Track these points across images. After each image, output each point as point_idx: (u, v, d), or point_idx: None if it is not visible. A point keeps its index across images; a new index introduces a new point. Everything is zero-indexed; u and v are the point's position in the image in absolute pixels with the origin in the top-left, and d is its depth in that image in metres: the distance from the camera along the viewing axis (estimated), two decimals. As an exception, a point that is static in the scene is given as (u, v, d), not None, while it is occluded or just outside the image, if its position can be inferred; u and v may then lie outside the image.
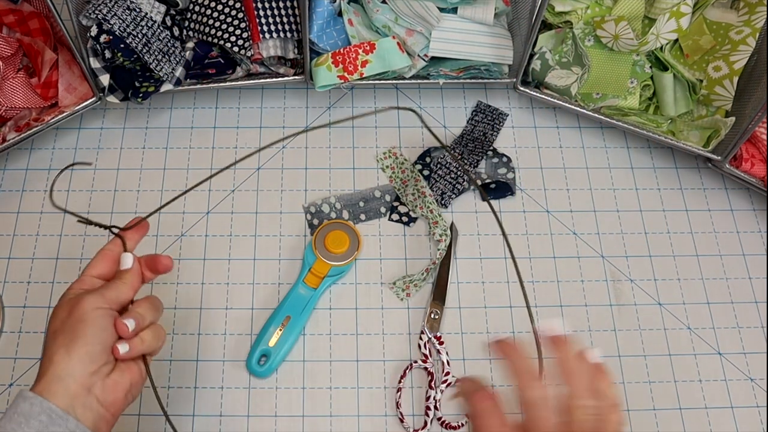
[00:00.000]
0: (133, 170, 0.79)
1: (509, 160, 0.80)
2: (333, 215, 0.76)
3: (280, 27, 0.76)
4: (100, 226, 0.56)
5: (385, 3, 0.78)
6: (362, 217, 0.76)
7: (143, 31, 0.72)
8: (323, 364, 0.69)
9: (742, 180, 0.76)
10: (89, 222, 0.57)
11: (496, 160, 0.80)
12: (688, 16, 0.74)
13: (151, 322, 0.52)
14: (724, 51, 0.75)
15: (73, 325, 0.47)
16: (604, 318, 0.72)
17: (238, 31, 0.74)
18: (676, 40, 0.77)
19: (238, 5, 0.75)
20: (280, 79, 0.79)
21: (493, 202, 0.78)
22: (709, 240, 0.77)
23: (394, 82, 0.79)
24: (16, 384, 0.67)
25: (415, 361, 0.68)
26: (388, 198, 0.77)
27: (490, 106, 0.84)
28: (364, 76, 0.76)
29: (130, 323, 0.49)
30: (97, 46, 0.72)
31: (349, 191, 0.78)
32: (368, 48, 0.75)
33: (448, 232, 0.74)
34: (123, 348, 0.49)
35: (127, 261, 0.53)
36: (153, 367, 0.67)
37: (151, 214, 0.59)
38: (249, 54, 0.75)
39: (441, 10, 0.78)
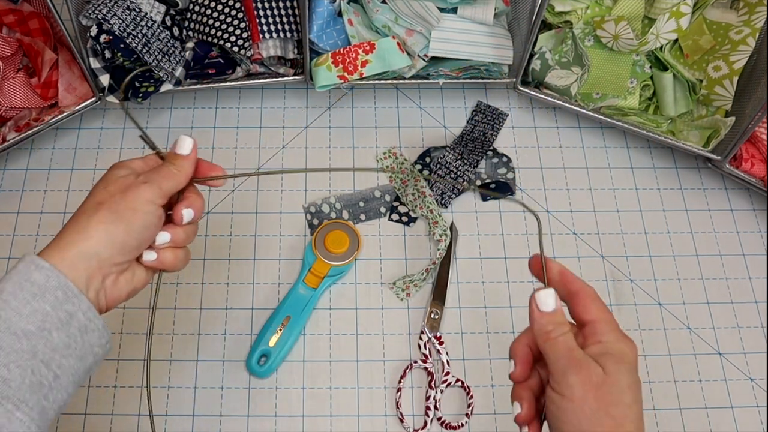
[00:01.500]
0: (133, 170, 0.79)
1: (509, 160, 0.80)
2: (333, 215, 0.76)
3: (280, 27, 0.76)
4: (153, 147, 0.51)
5: (385, 3, 0.78)
6: (362, 217, 0.76)
7: (143, 31, 0.72)
8: (323, 364, 0.69)
9: (742, 180, 0.76)
10: (151, 144, 0.51)
11: (496, 160, 0.80)
12: (688, 16, 0.74)
13: (186, 244, 0.49)
14: (724, 51, 0.75)
15: (122, 209, 0.43)
16: (604, 318, 0.72)
17: (238, 31, 0.74)
18: (676, 40, 0.77)
19: (238, 5, 0.75)
20: (280, 79, 0.79)
21: (493, 202, 0.78)
22: (709, 240, 0.77)
23: (394, 82, 0.79)
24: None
25: (415, 361, 0.68)
26: (388, 198, 0.77)
27: (490, 106, 0.84)
28: (364, 76, 0.76)
29: (163, 237, 0.46)
30: (97, 46, 0.72)
31: (349, 191, 0.78)
32: (368, 48, 0.75)
33: (448, 232, 0.74)
34: (149, 256, 0.47)
35: (185, 145, 0.48)
36: (153, 367, 0.67)
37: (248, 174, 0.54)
38: (249, 54, 0.75)
39: (441, 10, 0.78)
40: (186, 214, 0.48)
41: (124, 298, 0.46)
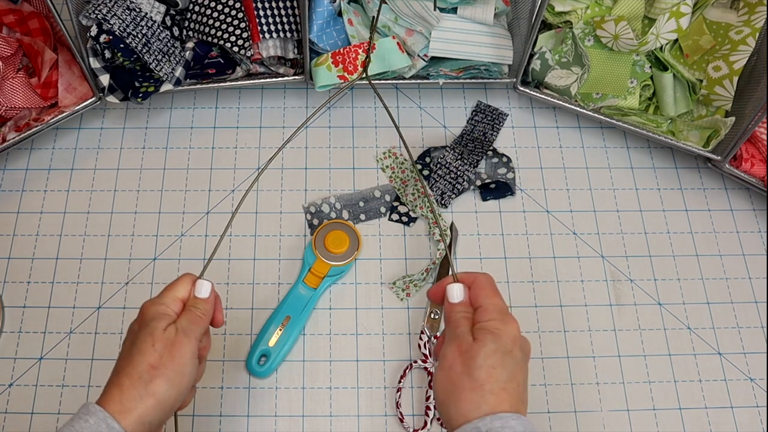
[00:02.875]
0: (133, 170, 0.79)
1: (509, 160, 0.80)
2: (333, 215, 0.76)
3: (280, 27, 0.76)
4: None
5: (385, 3, 0.78)
6: (362, 217, 0.76)
7: (143, 31, 0.72)
8: (323, 364, 0.69)
9: (742, 180, 0.76)
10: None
11: (496, 160, 0.80)
12: (688, 16, 0.74)
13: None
14: (723, 51, 0.75)
15: (174, 376, 0.47)
16: (604, 318, 0.72)
17: (238, 31, 0.74)
18: (676, 40, 0.77)
19: (238, 5, 0.75)
20: (280, 79, 0.79)
21: (493, 202, 0.78)
22: (709, 240, 0.77)
23: (394, 82, 0.79)
24: (16, 384, 0.67)
25: (415, 361, 0.68)
26: (388, 198, 0.77)
27: (490, 106, 0.84)
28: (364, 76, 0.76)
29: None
30: (97, 46, 0.72)
31: (349, 191, 0.78)
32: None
33: (448, 232, 0.74)
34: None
35: (204, 289, 0.52)
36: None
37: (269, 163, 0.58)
38: (249, 54, 0.75)
39: (441, 10, 0.78)
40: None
41: None
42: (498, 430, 0.42)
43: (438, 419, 0.66)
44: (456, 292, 0.50)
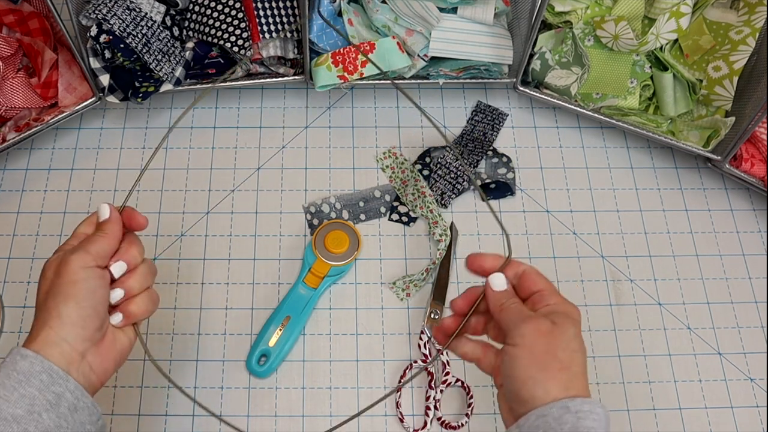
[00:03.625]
0: (133, 170, 0.79)
1: (509, 160, 0.80)
2: (333, 215, 0.76)
3: (280, 27, 0.76)
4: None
5: (385, 3, 0.78)
6: (362, 217, 0.76)
7: (143, 31, 0.72)
8: (323, 364, 0.69)
9: (742, 180, 0.76)
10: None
11: (496, 160, 0.80)
12: (688, 16, 0.74)
13: (147, 287, 0.51)
14: (723, 51, 0.75)
15: (63, 287, 0.45)
16: (604, 318, 0.72)
17: (238, 31, 0.74)
18: (676, 40, 0.77)
19: (238, 5, 0.75)
20: (280, 79, 0.79)
21: (493, 202, 0.78)
22: (709, 240, 0.77)
23: (394, 81, 0.79)
24: (16, 384, 0.67)
25: (415, 361, 0.68)
26: (388, 198, 0.77)
27: (490, 106, 0.84)
28: (364, 76, 0.76)
29: (117, 294, 0.48)
30: (97, 46, 0.72)
31: (349, 191, 0.78)
32: (368, 48, 0.75)
33: (448, 232, 0.74)
34: (116, 318, 0.48)
35: (104, 211, 0.50)
36: (152, 367, 0.67)
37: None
38: (249, 54, 0.75)
39: (441, 10, 0.78)
40: (115, 268, 0.49)
41: (113, 367, 0.48)
42: (587, 413, 0.42)
43: (439, 419, 0.66)
44: (500, 281, 0.49)
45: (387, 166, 0.79)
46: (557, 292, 0.48)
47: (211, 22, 0.75)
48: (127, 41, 0.71)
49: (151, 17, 0.74)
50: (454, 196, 0.77)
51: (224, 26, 0.74)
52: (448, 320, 0.52)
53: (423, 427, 0.66)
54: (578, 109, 0.79)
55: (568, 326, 0.45)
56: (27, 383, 0.42)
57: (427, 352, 0.69)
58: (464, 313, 0.51)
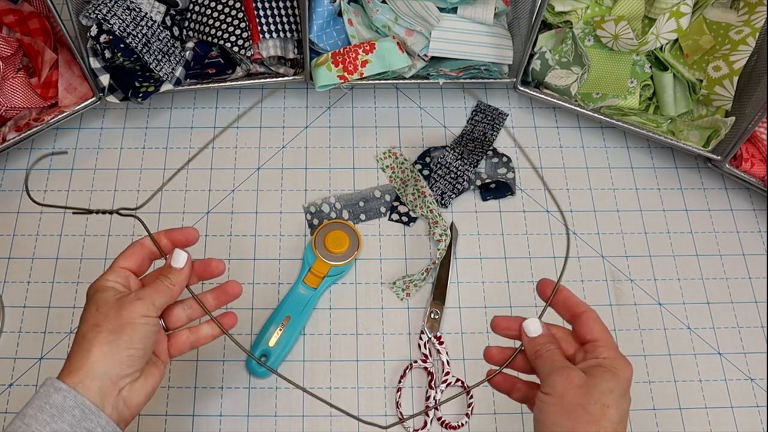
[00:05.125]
0: (133, 170, 0.79)
1: (509, 160, 0.80)
2: (333, 215, 0.76)
3: (280, 27, 0.76)
4: (102, 212, 0.52)
5: (385, 3, 0.78)
6: (362, 217, 0.76)
7: (143, 31, 0.72)
8: (323, 364, 0.69)
9: (742, 180, 0.76)
10: (89, 211, 0.53)
11: (496, 160, 0.80)
12: (688, 16, 0.74)
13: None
14: (724, 51, 0.75)
15: (119, 326, 0.46)
16: (604, 318, 0.71)
17: (238, 31, 0.74)
18: (676, 40, 0.77)
19: (238, 5, 0.75)
20: (280, 79, 0.79)
21: (493, 202, 0.78)
22: (709, 240, 0.77)
23: (394, 82, 0.79)
24: (16, 384, 0.67)
25: (415, 361, 0.68)
26: (388, 198, 0.77)
27: (490, 106, 0.84)
28: (364, 76, 0.76)
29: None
30: (97, 46, 0.72)
31: (349, 191, 0.78)
32: (368, 48, 0.75)
33: (448, 232, 0.74)
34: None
35: (180, 260, 0.51)
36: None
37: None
38: (249, 54, 0.75)
39: (441, 10, 0.78)
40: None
41: (144, 401, 0.49)
42: None
43: (439, 419, 0.66)
44: (535, 326, 0.49)
45: (387, 166, 0.79)
46: (613, 346, 0.48)
47: (211, 22, 0.75)
48: (127, 41, 0.71)
49: (151, 17, 0.74)
50: (454, 196, 0.77)
51: (224, 26, 0.74)
52: (494, 350, 0.52)
53: (423, 427, 0.66)
54: (578, 109, 0.79)
55: (606, 380, 0.45)
56: (60, 418, 0.43)
57: (427, 352, 0.69)
58: (499, 362, 0.51)
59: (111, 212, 0.52)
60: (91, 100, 0.76)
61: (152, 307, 0.48)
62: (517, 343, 0.52)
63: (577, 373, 0.45)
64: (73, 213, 0.53)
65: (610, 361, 0.46)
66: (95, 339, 0.46)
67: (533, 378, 0.50)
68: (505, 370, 0.51)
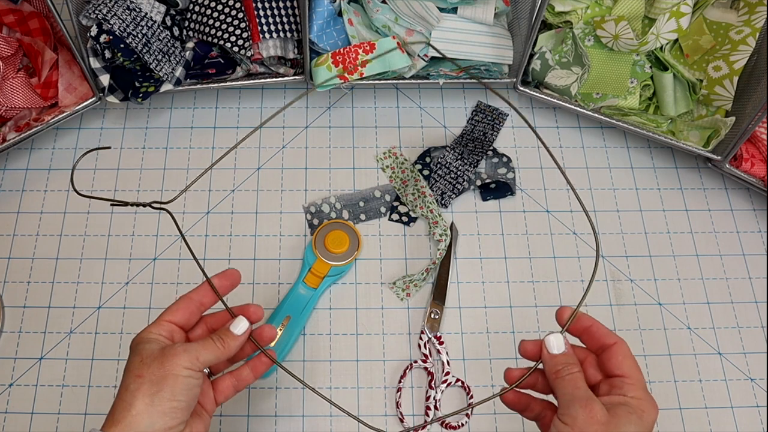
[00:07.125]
0: (133, 170, 0.79)
1: (509, 160, 0.80)
2: (333, 215, 0.76)
3: (280, 27, 0.76)
4: (139, 204, 0.51)
5: (385, 3, 0.78)
6: (362, 217, 0.76)
7: (143, 31, 0.72)
8: (323, 364, 0.69)
9: (742, 180, 0.76)
10: (125, 203, 0.52)
11: (496, 160, 0.80)
12: (688, 16, 0.74)
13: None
14: (724, 51, 0.75)
15: (162, 377, 0.45)
16: (604, 318, 0.72)
17: (238, 31, 0.74)
18: (676, 40, 0.77)
19: (238, 5, 0.75)
20: (280, 79, 0.79)
21: (493, 202, 0.78)
22: (709, 240, 0.77)
23: (394, 82, 0.79)
24: (16, 384, 0.67)
25: (415, 361, 0.68)
26: (388, 198, 0.77)
27: (490, 106, 0.84)
28: (364, 76, 0.76)
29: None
30: (97, 46, 0.72)
31: (349, 191, 0.78)
32: (368, 48, 0.75)
33: (448, 232, 0.74)
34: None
35: (240, 327, 0.50)
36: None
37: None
38: (249, 54, 0.75)
39: (441, 10, 0.78)
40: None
41: None
42: None
43: (438, 419, 0.66)
44: (558, 342, 0.46)
45: (387, 166, 0.79)
46: (642, 385, 0.45)
47: (211, 22, 0.75)
48: (127, 41, 0.71)
49: (151, 17, 0.74)
50: (454, 196, 0.77)
51: (224, 26, 0.74)
52: (516, 373, 0.49)
53: (423, 427, 0.66)
54: (578, 109, 0.79)
55: (630, 423, 0.43)
56: None
57: (427, 352, 0.69)
58: (521, 385, 0.49)
59: (144, 205, 0.52)
60: (91, 100, 0.76)
61: (196, 362, 0.47)
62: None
63: (600, 408, 0.43)
64: (111, 204, 0.54)
65: (637, 402, 0.44)
66: (138, 390, 0.45)
67: (547, 395, 0.48)
68: (516, 388, 0.49)
